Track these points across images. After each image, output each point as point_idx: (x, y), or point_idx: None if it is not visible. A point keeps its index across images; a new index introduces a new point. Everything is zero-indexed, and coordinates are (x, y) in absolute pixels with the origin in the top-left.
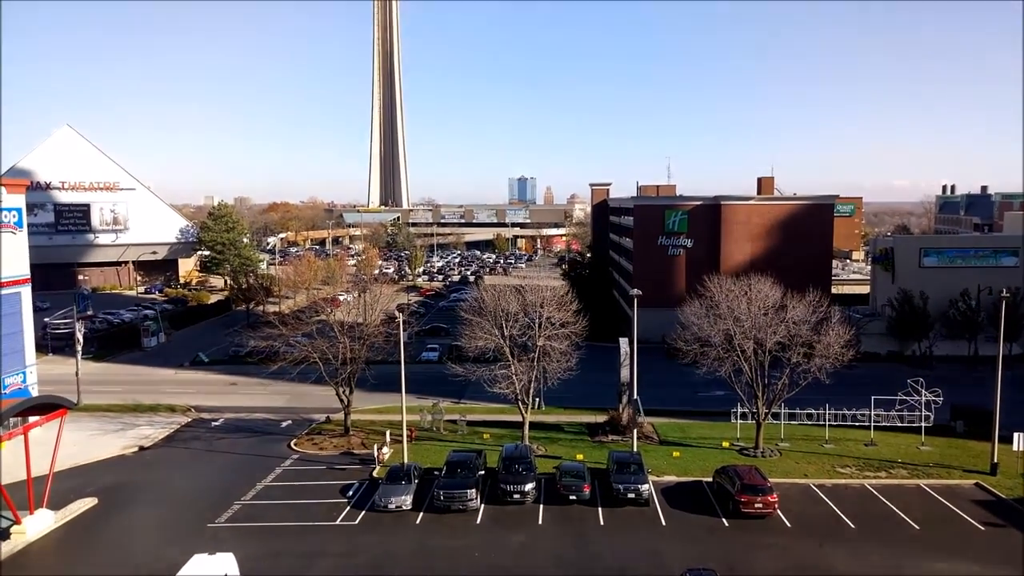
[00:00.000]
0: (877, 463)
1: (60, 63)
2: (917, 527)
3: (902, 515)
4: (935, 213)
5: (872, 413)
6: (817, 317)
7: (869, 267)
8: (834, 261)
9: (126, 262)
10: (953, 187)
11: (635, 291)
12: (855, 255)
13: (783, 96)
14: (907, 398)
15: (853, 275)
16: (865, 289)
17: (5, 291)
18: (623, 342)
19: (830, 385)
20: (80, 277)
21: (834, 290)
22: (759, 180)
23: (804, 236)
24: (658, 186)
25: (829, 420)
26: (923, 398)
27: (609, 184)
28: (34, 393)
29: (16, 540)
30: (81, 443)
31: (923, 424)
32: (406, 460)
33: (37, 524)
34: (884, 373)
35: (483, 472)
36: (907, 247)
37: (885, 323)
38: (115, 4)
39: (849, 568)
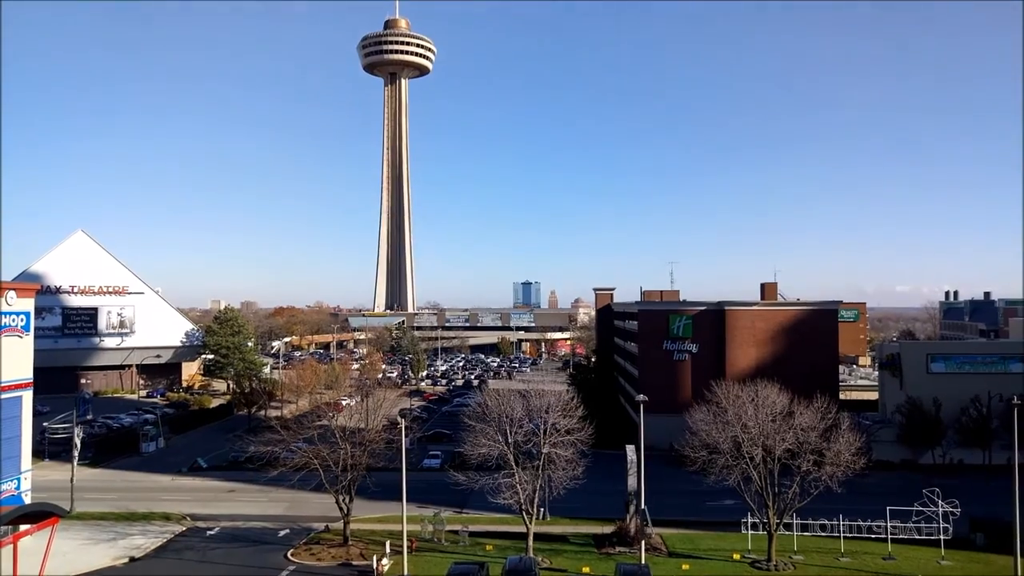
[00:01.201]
0: None
1: (77, 167)
2: None
3: None
4: (940, 319)
5: (888, 525)
6: (826, 424)
7: (876, 373)
8: (841, 367)
9: (130, 365)
10: (956, 293)
11: (641, 397)
12: (862, 361)
13: (784, 203)
14: (924, 509)
15: (861, 381)
16: (874, 395)
17: (6, 395)
18: (630, 449)
19: (843, 494)
20: (83, 381)
21: (842, 396)
22: (762, 285)
23: (809, 341)
24: (661, 291)
25: (844, 532)
26: (940, 509)
27: (613, 289)
28: (28, 500)
29: None
30: (71, 552)
31: (942, 537)
32: (406, 572)
33: None
34: (898, 482)
35: None
36: (914, 353)
37: (896, 430)
38: (128, 111)
39: None
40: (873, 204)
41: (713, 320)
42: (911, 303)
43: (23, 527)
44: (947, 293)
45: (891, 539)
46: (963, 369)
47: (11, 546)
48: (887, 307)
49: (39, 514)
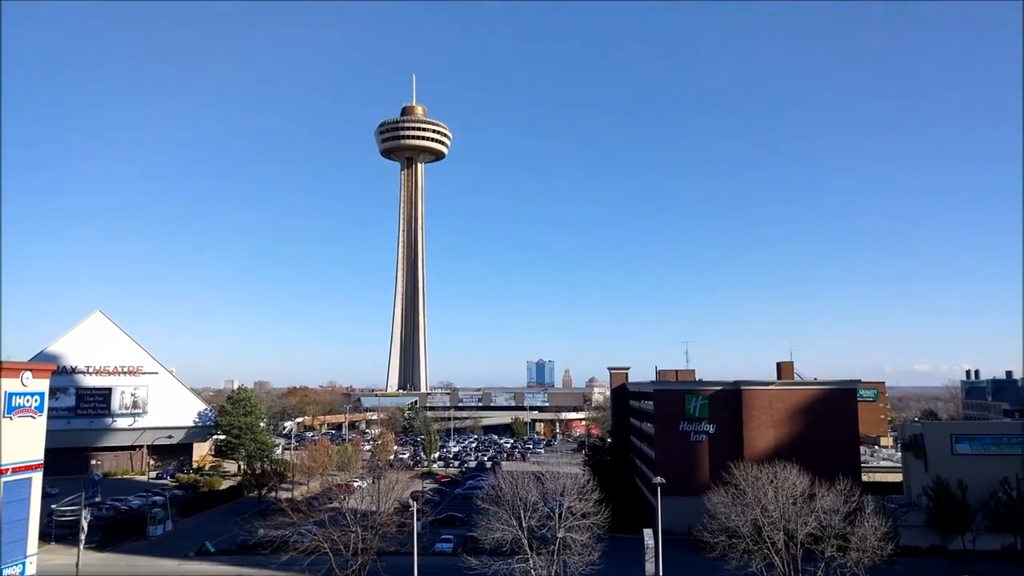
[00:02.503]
0: None
1: (96, 247)
2: None
3: None
4: (962, 398)
5: None
6: (849, 507)
7: (899, 454)
8: (862, 447)
9: (141, 446)
10: (977, 372)
11: (658, 479)
12: (883, 441)
13: (799, 281)
14: None
15: (883, 462)
16: (897, 477)
17: (16, 476)
18: (647, 533)
19: None
20: (93, 462)
21: (865, 477)
22: (778, 365)
23: (829, 421)
24: (677, 371)
25: None
26: None
27: (628, 368)
28: None
29: None
30: None
31: None
32: None
33: None
34: (928, 569)
35: None
36: (938, 433)
37: (924, 514)
38: (144, 191)
39: None
40: (889, 282)
41: (730, 400)
42: (931, 382)
43: None
44: (968, 372)
45: None
46: (989, 450)
47: None
48: (906, 386)
49: None
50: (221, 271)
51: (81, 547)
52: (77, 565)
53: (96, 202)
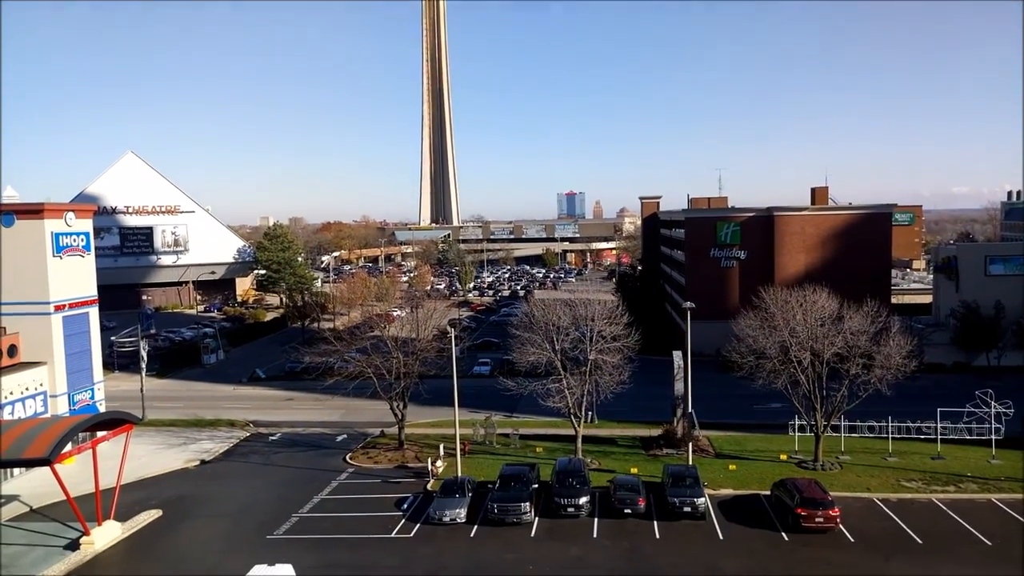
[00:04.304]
0: (945, 477)
1: (121, 89)
2: (989, 543)
3: (973, 530)
4: (1001, 220)
5: (939, 426)
6: (877, 327)
7: (931, 276)
8: (894, 271)
9: (186, 282)
10: (1019, 193)
11: (688, 304)
12: (916, 264)
13: (836, 104)
14: (976, 410)
15: (914, 284)
16: (927, 299)
17: (74, 311)
18: (677, 355)
19: (892, 397)
20: (144, 297)
21: (894, 300)
22: (813, 190)
23: (861, 246)
24: (709, 199)
25: (892, 433)
26: (993, 410)
27: (659, 197)
28: (102, 409)
29: (85, 551)
30: (146, 457)
31: (993, 437)
32: (460, 473)
33: (105, 535)
34: (950, 384)
35: (537, 485)
36: (972, 255)
37: (950, 333)
38: (171, 38)
39: None
40: (927, 101)
41: (762, 226)
42: (970, 205)
43: (100, 433)
44: (1009, 193)
45: (940, 439)
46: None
47: (91, 451)
48: (943, 209)
49: (114, 421)
50: (249, 113)
51: (143, 374)
52: (142, 390)
53: (120, 38)
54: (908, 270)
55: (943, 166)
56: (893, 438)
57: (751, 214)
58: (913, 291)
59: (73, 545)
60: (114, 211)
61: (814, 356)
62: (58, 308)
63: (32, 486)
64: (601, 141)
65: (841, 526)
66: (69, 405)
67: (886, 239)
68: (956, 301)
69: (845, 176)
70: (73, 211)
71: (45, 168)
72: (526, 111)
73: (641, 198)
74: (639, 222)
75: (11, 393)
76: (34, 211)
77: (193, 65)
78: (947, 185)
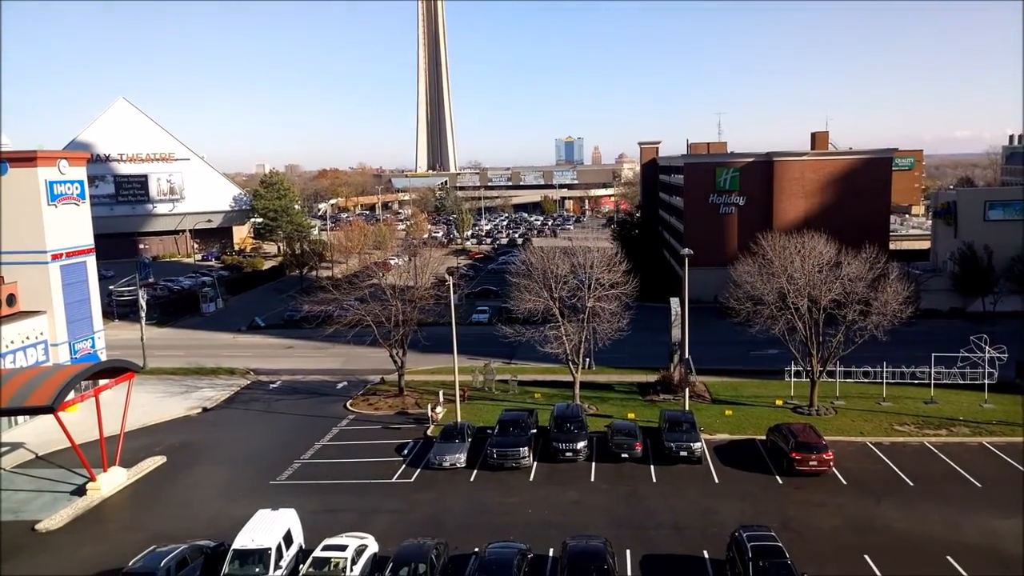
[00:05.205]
0: (937, 421)
1: (109, 36)
2: (979, 484)
3: (964, 473)
4: (1001, 164)
5: (932, 371)
6: (874, 274)
7: (930, 222)
8: (893, 216)
9: (183, 231)
10: (1020, 137)
11: (686, 251)
12: (915, 210)
13: (835, 47)
14: (970, 355)
15: (913, 230)
16: (926, 245)
17: (71, 260)
18: (674, 302)
19: (888, 343)
20: (141, 246)
21: (893, 246)
22: (813, 135)
23: (861, 191)
24: (708, 144)
25: (887, 378)
26: (987, 355)
27: (658, 143)
28: (103, 358)
29: (92, 495)
30: (148, 405)
31: (987, 381)
32: (459, 419)
33: (111, 481)
34: (945, 330)
35: (535, 431)
36: (971, 200)
37: (947, 279)
38: None
39: (908, 525)
40: (934, 42)
41: (761, 172)
42: (972, 149)
43: (102, 382)
44: (1011, 137)
45: (934, 384)
46: (1022, 216)
47: (94, 398)
48: (945, 153)
49: (116, 369)
50: (239, 57)
51: (143, 323)
52: (142, 339)
53: None
54: (907, 216)
55: (945, 110)
56: (887, 383)
57: (750, 159)
58: (912, 237)
59: (80, 491)
60: (107, 159)
61: (811, 302)
62: (55, 257)
63: (37, 434)
64: (600, 86)
65: (834, 469)
66: (70, 354)
67: (886, 184)
68: (954, 247)
69: (846, 121)
70: (66, 159)
71: (33, 116)
72: (524, 55)
73: (640, 144)
74: (638, 168)
75: (12, 342)
76: (27, 159)
77: (186, 11)
78: (949, 129)
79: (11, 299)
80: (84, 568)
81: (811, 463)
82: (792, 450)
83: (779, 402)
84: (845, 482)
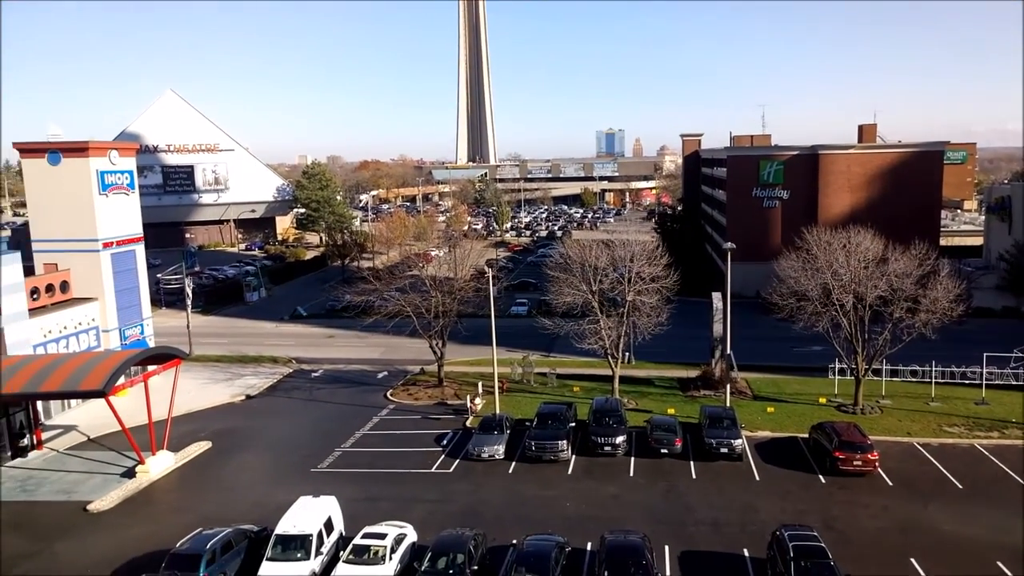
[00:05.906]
0: (988, 423)
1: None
2: None
3: (1016, 476)
4: None
5: (984, 371)
6: (923, 270)
7: (983, 217)
8: (944, 212)
9: (227, 220)
10: None
11: (728, 244)
12: (967, 205)
13: (884, 39)
14: (1023, 355)
15: (964, 226)
16: (978, 241)
17: (121, 249)
18: (716, 297)
19: (937, 341)
20: (186, 235)
21: (943, 242)
22: (860, 128)
23: (910, 186)
24: (752, 136)
25: (936, 378)
26: None
27: (701, 135)
28: (151, 344)
29: (141, 478)
30: (194, 391)
31: None
32: (498, 411)
33: (159, 464)
34: (998, 329)
35: (573, 424)
36: None
37: (1000, 276)
38: None
39: (956, 528)
40: (985, 32)
41: (806, 165)
42: None
43: (151, 368)
44: None
45: (986, 384)
46: None
47: (143, 384)
48: (1000, 147)
49: (164, 356)
50: (285, 51)
51: (189, 311)
52: (188, 327)
53: None
54: (959, 211)
55: (999, 101)
56: (936, 383)
57: (795, 152)
58: (963, 233)
59: (129, 473)
60: (155, 150)
61: (857, 299)
62: (106, 245)
63: (88, 417)
64: (642, 77)
65: (880, 470)
66: (120, 340)
67: (937, 178)
68: (1008, 243)
69: (895, 114)
70: (117, 149)
71: (84, 108)
72: (565, 46)
73: (682, 136)
74: (680, 161)
75: (64, 328)
76: (79, 149)
77: (233, 8)
78: (1003, 121)
79: (64, 286)
80: (134, 548)
81: (855, 463)
82: (836, 449)
83: (822, 400)
84: (891, 483)
